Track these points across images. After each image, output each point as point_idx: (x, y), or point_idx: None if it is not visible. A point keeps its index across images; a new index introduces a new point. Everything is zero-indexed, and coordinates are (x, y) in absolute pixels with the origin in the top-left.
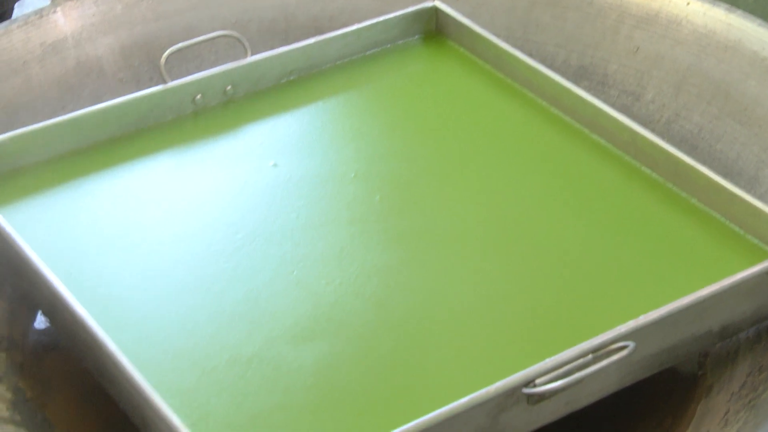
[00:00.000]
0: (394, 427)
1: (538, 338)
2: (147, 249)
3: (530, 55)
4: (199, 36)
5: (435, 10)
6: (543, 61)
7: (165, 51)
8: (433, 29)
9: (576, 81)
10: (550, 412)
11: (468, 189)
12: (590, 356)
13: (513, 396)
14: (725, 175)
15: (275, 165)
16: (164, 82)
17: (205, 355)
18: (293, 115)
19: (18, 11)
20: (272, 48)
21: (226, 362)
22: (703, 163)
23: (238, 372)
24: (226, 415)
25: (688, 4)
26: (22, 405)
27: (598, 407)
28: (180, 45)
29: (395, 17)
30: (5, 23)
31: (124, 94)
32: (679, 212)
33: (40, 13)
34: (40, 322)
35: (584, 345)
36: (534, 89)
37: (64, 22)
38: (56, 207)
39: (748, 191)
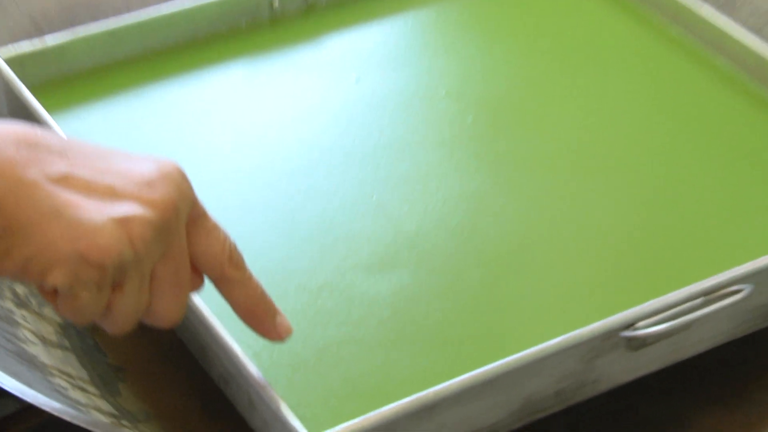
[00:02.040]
0: (476, 368)
1: (641, 277)
2: (214, 162)
3: None
4: None
5: None
6: None
7: None
8: None
9: None
10: (653, 360)
11: (570, 113)
12: (700, 299)
13: (611, 339)
14: None
15: (358, 79)
16: None
17: (271, 281)
18: (379, 25)
19: None
20: None
21: (294, 289)
22: None
23: (307, 300)
24: (291, 346)
25: None
26: (71, 329)
27: (707, 358)
28: None
29: None
30: None
31: None
32: None
33: None
34: None
35: (693, 287)
36: (651, 4)
37: None
38: (116, 115)
39: None
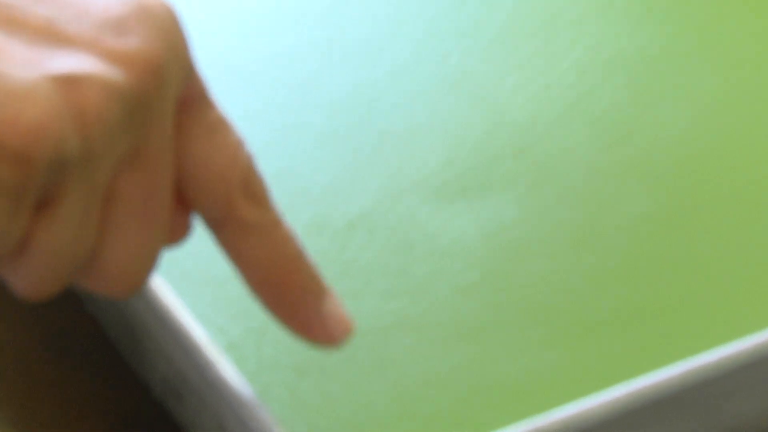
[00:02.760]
0: (642, 374)
1: None
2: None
3: None
4: None
5: None
6: None
7: None
8: None
9: None
10: None
11: None
12: None
13: None
14: None
15: None
16: None
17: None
18: None
19: None
20: None
21: (307, 227)
22: None
23: (328, 248)
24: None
25: None
26: None
27: None
28: None
29: None
30: None
31: None
32: None
33: None
34: None
35: None
36: None
37: None
38: None
39: None
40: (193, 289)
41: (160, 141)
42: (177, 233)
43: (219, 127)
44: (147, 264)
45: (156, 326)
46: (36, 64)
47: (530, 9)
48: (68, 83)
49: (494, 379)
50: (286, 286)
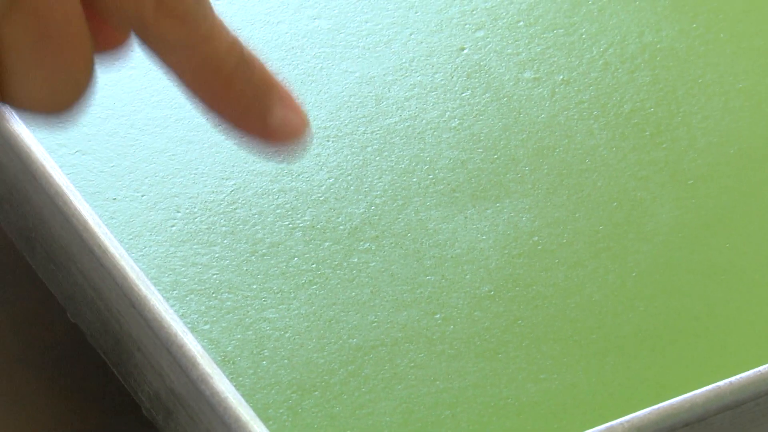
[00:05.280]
0: (673, 396)
1: None
2: None
3: None
4: None
5: None
6: None
7: None
8: None
9: None
10: None
11: None
12: None
13: None
14: None
15: None
16: None
17: (251, 206)
18: None
19: None
20: None
21: (288, 229)
22: None
23: (326, 251)
24: (299, 346)
25: None
26: None
27: None
28: None
29: None
30: None
31: None
32: None
33: None
34: None
35: None
36: None
37: None
38: None
39: None
40: (184, 299)
41: None
42: (113, 41)
43: None
44: (67, 87)
45: (146, 337)
46: None
47: None
48: None
49: (510, 399)
50: (229, 98)
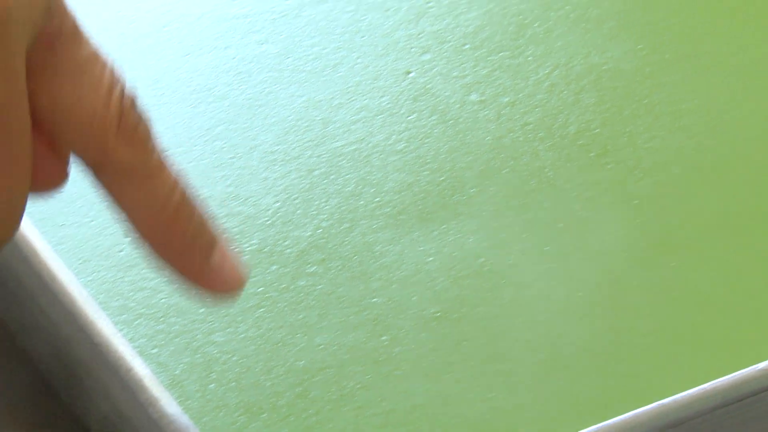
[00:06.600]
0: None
1: None
2: None
3: None
4: None
5: None
6: None
7: None
8: None
9: None
10: None
11: None
12: None
13: None
14: None
15: None
16: None
17: None
18: None
19: None
20: None
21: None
22: None
23: (276, 278)
24: (247, 370)
25: None
26: None
27: None
28: None
29: None
30: None
31: None
32: None
33: None
34: None
35: None
36: None
37: None
38: None
39: None
40: (133, 323)
41: (4, 86)
42: (51, 181)
43: (90, 64)
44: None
45: (94, 361)
46: None
47: (495, 21)
48: None
49: (457, 419)
50: (171, 234)
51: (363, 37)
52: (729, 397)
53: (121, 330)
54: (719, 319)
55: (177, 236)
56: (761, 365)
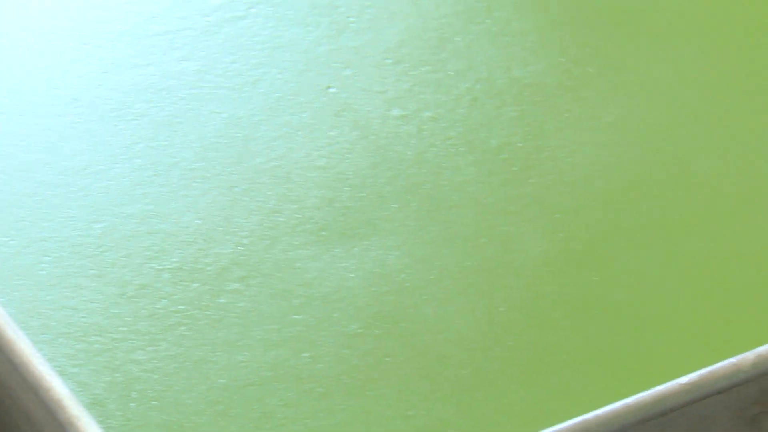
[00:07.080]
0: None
1: None
2: None
3: None
4: None
5: None
6: None
7: None
8: None
9: None
10: None
11: None
12: None
13: None
14: None
15: None
16: None
17: (117, 254)
18: None
19: None
20: None
21: (155, 271)
22: None
23: (195, 294)
24: (167, 386)
25: None
26: None
27: None
28: None
29: None
30: None
31: None
32: None
33: None
34: None
35: None
36: None
37: None
38: None
39: None
40: (53, 342)
41: None
42: None
43: None
44: None
45: (14, 381)
46: None
47: (416, 35)
48: None
49: None
50: None
51: (283, 52)
52: (652, 411)
53: (41, 349)
54: (641, 333)
55: None
56: (684, 379)
